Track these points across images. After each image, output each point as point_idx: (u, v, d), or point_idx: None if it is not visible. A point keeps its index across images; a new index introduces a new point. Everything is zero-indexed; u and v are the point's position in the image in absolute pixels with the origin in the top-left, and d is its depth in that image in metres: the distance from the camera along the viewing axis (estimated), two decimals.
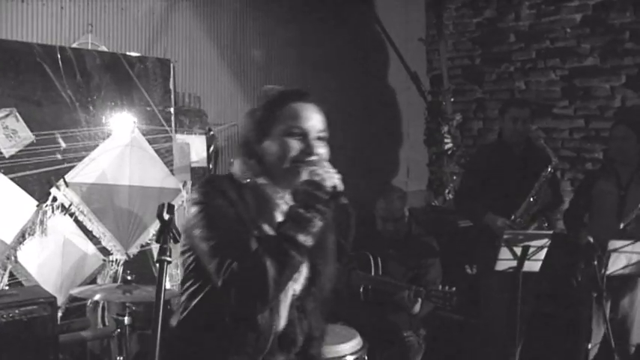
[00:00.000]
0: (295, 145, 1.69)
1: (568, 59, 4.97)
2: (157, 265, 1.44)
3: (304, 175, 1.67)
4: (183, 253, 1.69)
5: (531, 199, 3.85)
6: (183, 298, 1.72)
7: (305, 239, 1.58)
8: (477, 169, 4.22)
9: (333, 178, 1.62)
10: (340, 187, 1.62)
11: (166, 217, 1.49)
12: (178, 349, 1.70)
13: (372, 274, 3.82)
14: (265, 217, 1.69)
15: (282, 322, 1.70)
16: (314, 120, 1.74)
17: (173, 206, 1.54)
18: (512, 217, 3.85)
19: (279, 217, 1.68)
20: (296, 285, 1.72)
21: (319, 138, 1.74)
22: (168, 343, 1.58)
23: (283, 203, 1.72)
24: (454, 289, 3.40)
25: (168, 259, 1.46)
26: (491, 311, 4.06)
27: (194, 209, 1.62)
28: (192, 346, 1.69)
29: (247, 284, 1.54)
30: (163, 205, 1.51)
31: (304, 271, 1.73)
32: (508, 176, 3.98)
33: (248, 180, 1.70)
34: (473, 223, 4.27)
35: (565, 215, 4.16)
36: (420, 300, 3.58)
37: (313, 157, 1.68)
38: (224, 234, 1.58)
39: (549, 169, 3.85)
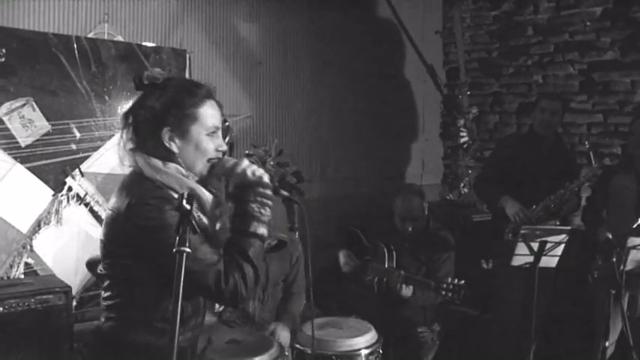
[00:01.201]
0: (212, 144, 1.81)
1: (587, 53, 4.90)
2: (177, 255, 1.42)
3: (238, 169, 1.78)
4: (117, 263, 1.78)
5: (554, 202, 3.84)
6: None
7: (265, 231, 1.78)
8: (503, 155, 4.24)
9: (262, 172, 1.78)
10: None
11: (187, 207, 1.48)
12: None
13: (386, 266, 3.80)
14: (202, 212, 1.81)
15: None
16: (219, 116, 1.86)
17: (193, 197, 1.53)
18: (534, 207, 3.85)
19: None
20: (187, 248, 1.82)
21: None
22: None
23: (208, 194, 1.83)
24: (463, 282, 3.38)
25: (187, 249, 1.45)
26: (505, 307, 4.04)
27: (147, 231, 1.69)
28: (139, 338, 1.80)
29: (248, 287, 1.72)
30: (182, 195, 1.50)
31: None
32: (531, 167, 4.00)
33: (178, 184, 1.77)
34: (488, 205, 4.29)
35: (583, 211, 4.12)
36: (410, 286, 3.60)
37: (220, 153, 1.83)
38: (209, 255, 1.70)
39: (583, 180, 3.86)
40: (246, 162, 1.81)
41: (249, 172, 1.77)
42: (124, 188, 1.79)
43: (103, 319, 1.85)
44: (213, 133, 1.81)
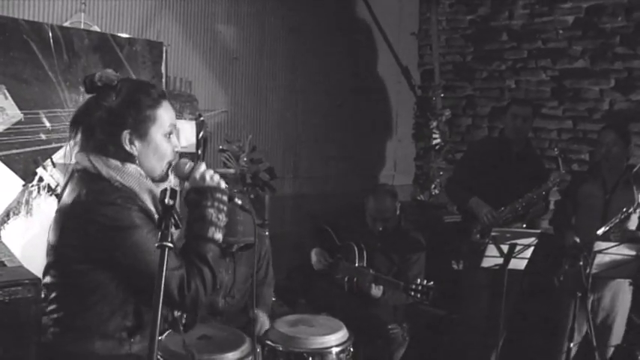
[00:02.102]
0: (170, 146, 1.80)
1: (559, 60, 5.00)
2: (159, 251, 1.41)
3: (197, 174, 1.77)
4: (71, 269, 1.69)
5: (522, 205, 3.92)
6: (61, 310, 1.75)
7: (221, 236, 1.77)
8: (474, 158, 4.33)
9: (217, 176, 1.78)
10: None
11: (169, 202, 1.47)
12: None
13: (356, 265, 3.83)
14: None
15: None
16: (174, 115, 1.83)
17: (176, 191, 1.52)
18: (502, 209, 3.93)
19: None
20: (170, 243, 1.81)
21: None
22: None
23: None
24: (432, 283, 3.42)
25: (170, 244, 1.45)
26: (473, 306, 4.11)
27: (122, 232, 1.63)
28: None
29: (207, 292, 1.71)
30: (166, 190, 1.50)
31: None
32: (501, 171, 4.08)
33: (138, 185, 1.73)
34: (458, 206, 4.35)
35: (552, 216, 4.21)
36: (380, 286, 3.64)
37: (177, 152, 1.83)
38: (171, 258, 1.61)
39: (550, 185, 3.92)
40: (203, 166, 1.80)
41: (207, 177, 1.77)
42: (75, 189, 1.71)
43: (51, 334, 1.75)
44: (170, 134, 1.79)
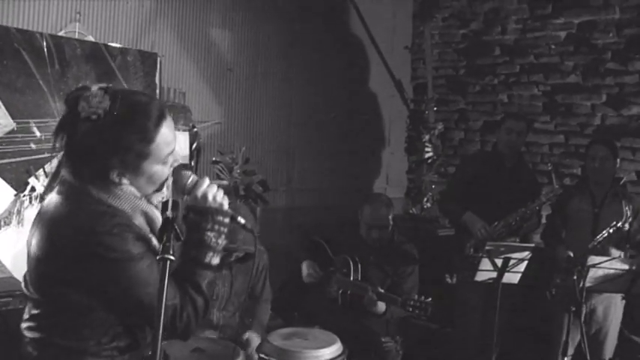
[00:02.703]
0: (166, 169, 1.67)
1: (551, 75, 5.04)
2: (160, 263, 1.40)
3: (199, 192, 1.68)
4: (56, 290, 1.60)
5: (515, 219, 3.93)
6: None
7: (217, 261, 1.68)
8: (467, 172, 4.35)
9: (219, 197, 1.69)
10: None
11: (170, 214, 1.46)
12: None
13: (351, 278, 3.81)
14: (153, 233, 1.66)
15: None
16: (174, 134, 1.68)
17: (177, 203, 1.51)
18: (495, 223, 3.94)
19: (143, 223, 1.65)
20: (171, 256, 1.71)
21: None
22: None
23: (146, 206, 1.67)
24: (430, 299, 3.42)
25: (171, 257, 1.42)
26: (465, 321, 4.11)
27: (114, 264, 1.53)
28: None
29: (198, 320, 1.62)
30: (167, 202, 1.48)
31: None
32: (494, 186, 4.10)
33: (131, 207, 1.62)
34: (451, 221, 4.35)
35: (543, 232, 4.22)
36: (384, 302, 3.60)
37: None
38: (147, 285, 1.54)
39: (543, 199, 3.94)
40: (206, 182, 1.68)
41: (210, 197, 1.67)
42: (65, 203, 1.59)
43: (34, 350, 1.68)
44: (167, 161, 1.66)
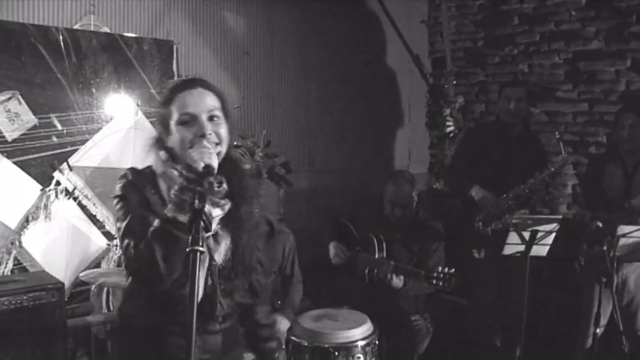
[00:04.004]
0: (189, 133, 1.79)
1: (572, 42, 4.92)
2: (190, 255, 1.40)
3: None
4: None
5: (524, 191, 3.89)
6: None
7: (179, 216, 1.65)
8: (471, 145, 4.30)
9: (204, 157, 1.67)
10: (213, 164, 1.67)
11: (198, 205, 1.46)
12: (126, 326, 1.95)
13: (376, 256, 3.80)
14: None
15: (201, 287, 1.81)
16: (201, 103, 1.83)
17: (205, 195, 1.50)
18: (504, 196, 3.90)
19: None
20: (217, 256, 1.85)
21: (211, 118, 1.83)
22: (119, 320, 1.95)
23: None
24: (453, 270, 3.39)
25: (201, 249, 1.43)
26: (479, 291, 4.13)
27: (114, 202, 1.84)
28: (136, 321, 1.89)
29: (140, 265, 1.71)
30: (195, 194, 1.48)
31: (224, 243, 1.86)
32: (500, 156, 4.05)
33: (161, 170, 1.84)
34: (459, 196, 4.32)
35: (577, 200, 4.16)
36: (401, 276, 3.60)
37: (207, 137, 1.78)
38: (131, 223, 1.76)
39: (552, 169, 3.88)
40: (202, 144, 1.76)
41: (190, 156, 1.73)
42: None
43: None
44: (185, 122, 1.81)
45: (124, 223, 1.78)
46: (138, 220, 1.76)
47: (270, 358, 2.16)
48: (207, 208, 1.59)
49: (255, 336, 2.14)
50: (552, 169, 3.90)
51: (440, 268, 3.43)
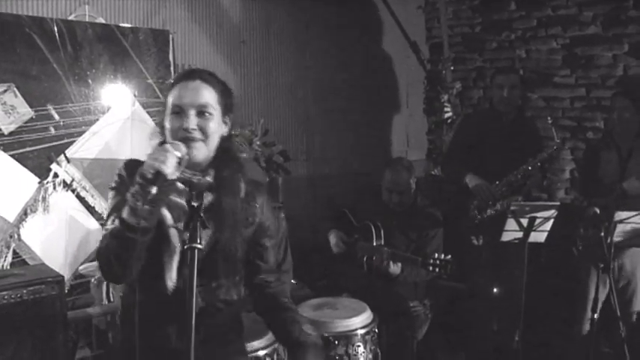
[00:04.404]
0: (174, 123, 1.81)
1: (569, 27, 4.90)
2: (188, 252, 1.40)
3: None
4: None
5: (517, 177, 3.89)
6: None
7: (131, 219, 1.64)
8: (466, 133, 4.31)
9: (155, 163, 1.63)
10: (165, 170, 1.62)
11: (195, 203, 1.46)
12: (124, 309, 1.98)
13: (374, 244, 3.82)
14: None
15: (170, 283, 1.79)
16: (192, 96, 1.83)
17: (202, 192, 1.51)
18: (497, 183, 3.91)
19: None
20: (199, 244, 1.73)
21: (201, 112, 1.83)
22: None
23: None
24: (449, 257, 3.41)
25: (199, 245, 1.43)
26: (474, 275, 4.16)
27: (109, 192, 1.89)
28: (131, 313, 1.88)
29: (100, 260, 1.76)
30: (192, 193, 1.48)
31: (205, 234, 1.78)
32: (494, 144, 4.06)
33: None
34: (454, 183, 4.33)
35: (574, 185, 4.17)
36: (398, 263, 3.63)
37: (186, 132, 1.78)
38: (112, 214, 1.79)
39: (546, 155, 3.88)
40: (164, 148, 1.71)
41: (149, 161, 1.70)
42: None
43: None
44: (175, 112, 1.82)
45: (106, 213, 1.86)
46: (117, 212, 1.76)
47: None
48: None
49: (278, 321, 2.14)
50: (545, 155, 3.91)
51: (436, 255, 3.46)
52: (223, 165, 1.87)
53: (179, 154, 1.67)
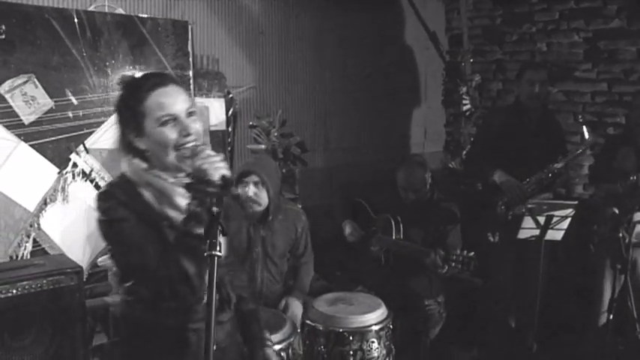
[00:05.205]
0: (171, 133, 1.75)
1: (592, 21, 4.83)
2: (208, 260, 1.41)
3: (191, 161, 1.71)
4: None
5: (547, 175, 3.85)
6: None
7: (201, 229, 1.62)
8: (491, 129, 4.25)
9: (219, 169, 1.63)
10: (228, 174, 1.63)
11: (215, 210, 1.47)
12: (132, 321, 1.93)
13: (393, 237, 3.82)
14: (167, 204, 1.79)
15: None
16: (179, 102, 1.78)
17: (222, 199, 1.51)
18: (527, 180, 3.86)
19: (180, 199, 1.76)
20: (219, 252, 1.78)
21: (189, 115, 1.79)
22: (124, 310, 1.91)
23: (178, 185, 1.78)
24: (472, 253, 3.40)
25: (219, 253, 1.44)
26: (497, 274, 4.13)
27: (100, 225, 1.81)
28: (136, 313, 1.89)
29: (168, 282, 1.71)
30: (212, 200, 1.49)
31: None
32: (521, 140, 4.00)
33: (144, 181, 1.80)
34: (480, 180, 4.27)
35: (592, 179, 4.13)
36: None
37: (190, 137, 1.75)
38: (128, 248, 1.75)
39: (577, 152, 3.86)
40: (206, 152, 1.70)
41: (203, 168, 1.68)
42: None
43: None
44: (166, 122, 1.76)
45: (121, 253, 1.80)
46: (136, 245, 1.73)
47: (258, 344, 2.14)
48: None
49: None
50: (576, 154, 3.85)
51: (459, 251, 3.44)
52: None
53: None
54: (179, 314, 1.80)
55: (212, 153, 1.68)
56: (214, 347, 1.85)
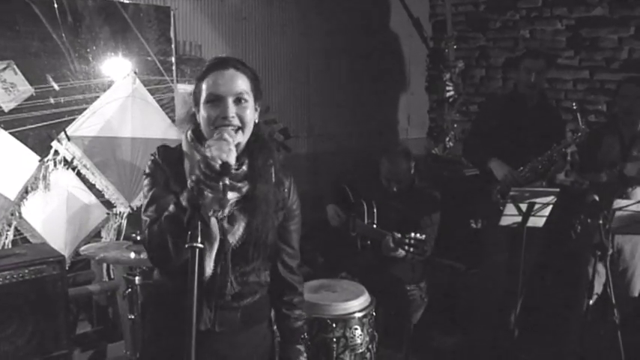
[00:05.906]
0: (213, 112, 1.82)
1: (575, 8, 4.84)
2: (189, 251, 1.41)
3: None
4: None
5: (542, 163, 3.87)
6: None
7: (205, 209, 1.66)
8: (488, 117, 4.27)
9: (222, 153, 1.64)
10: (231, 160, 1.65)
11: (196, 202, 1.47)
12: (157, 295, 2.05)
13: (365, 222, 3.84)
14: None
15: (208, 270, 1.83)
16: (228, 85, 1.83)
17: (202, 191, 1.51)
18: (521, 168, 3.88)
19: None
20: (231, 237, 1.86)
21: (238, 100, 1.84)
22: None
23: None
24: (423, 236, 3.43)
25: (200, 245, 1.44)
26: (492, 260, 4.14)
27: (144, 178, 1.93)
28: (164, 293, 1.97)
29: (152, 245, 1.78)
30: (193, 189, 1.49)
31: (241, 224, 1.87)
32: (518, 128, 4.02)
33: (186, 150, 1.90)
34: (478, 168, 4.30)
35: (571, 169, 4.17)
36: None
37: (227, 120, 1.80)
38: (151, 202, 1.84)
39: (570, 141, 3.86)
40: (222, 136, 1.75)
41: (209, 152, 1.70)
42: None
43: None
44: (211, 101, 1.82)
45: (146, 201, 1.85)
46: (157, 200, 1.83)
47: (294, 338, 2.15)
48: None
49: (279, 313, 2.14)
50: (569, 141, 3.87)
51: (412, 234, 3.46)
52: (257, 152, 1.91)
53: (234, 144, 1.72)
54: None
55: (227, 137, 1.72)
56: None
